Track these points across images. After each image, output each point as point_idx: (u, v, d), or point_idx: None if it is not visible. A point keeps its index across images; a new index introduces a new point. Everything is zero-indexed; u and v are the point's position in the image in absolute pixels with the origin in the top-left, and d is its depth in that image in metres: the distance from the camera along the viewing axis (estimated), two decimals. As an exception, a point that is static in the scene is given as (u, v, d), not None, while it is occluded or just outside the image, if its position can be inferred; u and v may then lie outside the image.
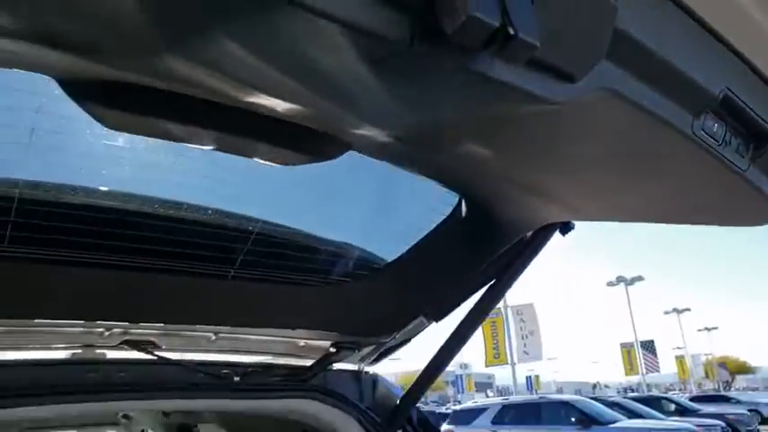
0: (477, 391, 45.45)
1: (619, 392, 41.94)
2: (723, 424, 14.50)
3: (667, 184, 1.07)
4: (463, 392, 42.08)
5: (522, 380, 32.39)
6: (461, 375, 43.30)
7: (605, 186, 1.13)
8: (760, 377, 63.34)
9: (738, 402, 23.29)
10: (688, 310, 46.67)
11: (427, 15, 0.62)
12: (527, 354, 24.31)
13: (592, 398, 17.29)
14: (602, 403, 14.81)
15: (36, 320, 1.33)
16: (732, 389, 45.13)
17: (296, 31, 0.66)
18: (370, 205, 1.52)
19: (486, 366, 27.36)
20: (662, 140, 0.89)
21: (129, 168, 1.20)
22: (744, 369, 62.67)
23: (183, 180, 1.25)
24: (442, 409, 25.67)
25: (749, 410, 20.40)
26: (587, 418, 12.32)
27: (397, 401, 1.69)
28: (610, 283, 35.73)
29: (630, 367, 37.40)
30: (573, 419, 12.35)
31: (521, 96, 0.73)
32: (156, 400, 1.44)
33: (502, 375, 47.17)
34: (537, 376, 42.46)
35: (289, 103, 0.82)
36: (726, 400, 24.32)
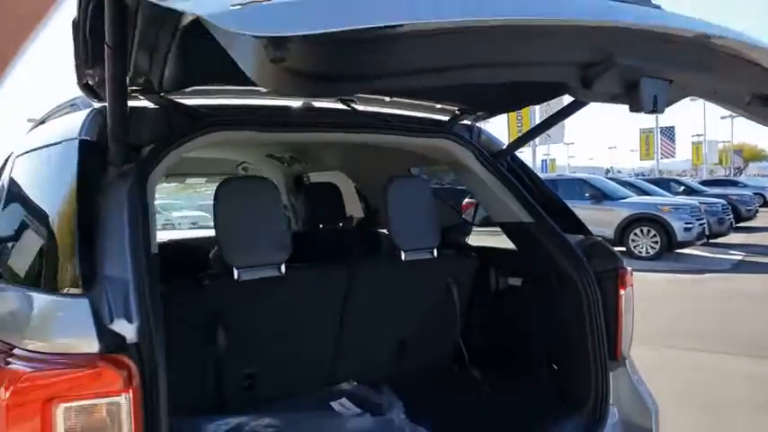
0: (495, 172, 47.52)
1: (631, 177, 43.44)
2: (724, 202, 15.34)
3: None
4: (482, 173, 44.05)
5: (538, 163, 33.72)
6: (481, 158, 44.93)
7: None
8: (773, 164, 64.07)
9: (745, 186, 24.29)
10: (716, 96, 45.30)
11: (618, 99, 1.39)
12: (549, 137, 25.02)
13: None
14: (615, 182, 15.37)
15: None
16: (743, 175, 46.32)
17: None
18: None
19: (508, 148, 28.50)
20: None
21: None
22: (759, 156, 63.26)
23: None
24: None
25: (754, 194, 21.27)
26: (600, 194, 13.04)
27: (503, 147, 2.53)
28: (640, 69, 34.71)
29: (647, 152, 38.58)
30: (587, 194, 13.00)
31: None
32: (350, 134, 2.21)
33: (519, 158, 48.87)
34: (553, 160, 44.12)
35: None
36: (733, 184, 25.34)
